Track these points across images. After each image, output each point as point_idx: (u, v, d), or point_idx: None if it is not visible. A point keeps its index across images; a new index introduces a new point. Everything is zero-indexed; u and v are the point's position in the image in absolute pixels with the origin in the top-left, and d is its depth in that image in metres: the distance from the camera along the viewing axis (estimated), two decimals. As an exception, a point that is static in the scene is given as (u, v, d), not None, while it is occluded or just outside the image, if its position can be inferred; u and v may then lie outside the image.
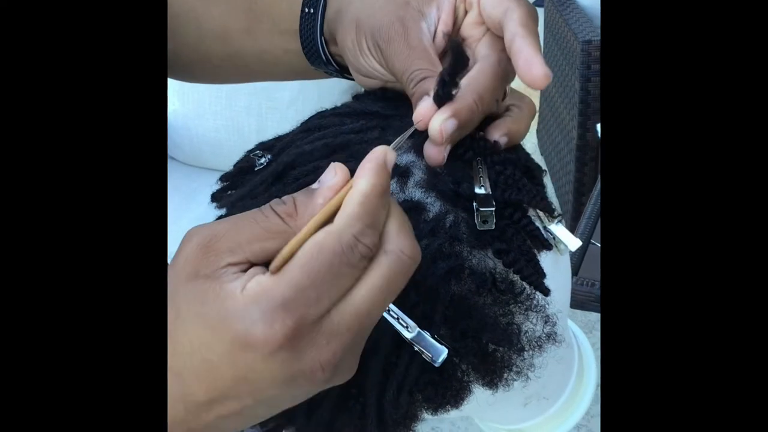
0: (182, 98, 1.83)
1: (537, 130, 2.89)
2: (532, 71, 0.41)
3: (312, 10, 0.51)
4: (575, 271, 1.20)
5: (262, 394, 0.34)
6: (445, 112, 0.41)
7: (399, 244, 0.35)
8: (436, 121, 0.41)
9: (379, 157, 0.35)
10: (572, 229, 1.82)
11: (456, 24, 0.46)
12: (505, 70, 0.44)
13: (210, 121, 1.81)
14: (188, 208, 1.67)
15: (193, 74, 0.65)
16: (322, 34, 0.52)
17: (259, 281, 0.33)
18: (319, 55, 0.53)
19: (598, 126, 1.70)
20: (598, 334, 2.07)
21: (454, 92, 0.41)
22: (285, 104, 1.74)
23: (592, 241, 1.27)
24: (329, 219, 0.35)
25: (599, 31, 2.17)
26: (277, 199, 0.37)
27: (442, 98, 0.41)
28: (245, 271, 0.34)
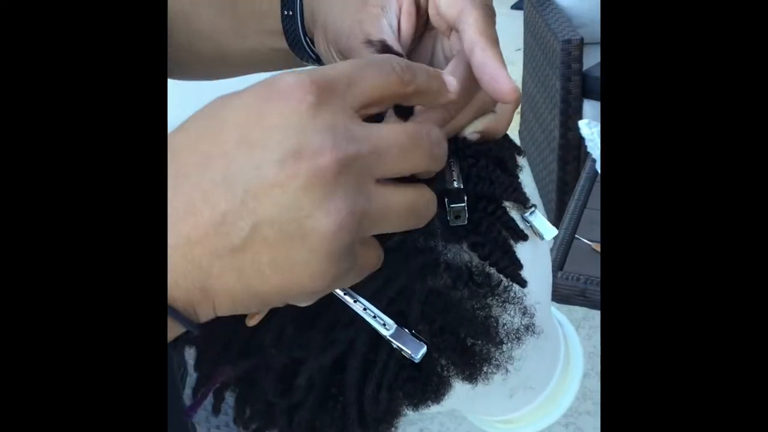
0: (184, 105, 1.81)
1: (519, 131, 2.90)
2: (499, 88, 0.39)
3: (291, 12, 0.51)
4: (560, 266, 1.20)
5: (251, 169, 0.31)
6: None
7: (434, 127, 0.36)
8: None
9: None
10: (556, 226, 1.82)
11: (420, 12, 0.45)
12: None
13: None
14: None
15: (188, 73, 0.65)
16: (305, 34, 0.51)
17: None
18: (307, 53, 0.52)
19: (580, 123, 1.71)
20: (583, 331, 2.08)
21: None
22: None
23: (576, 236, 1.27)
24: None
25: (578, 30, 2.19)
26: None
27: (402, 110, 0.41)
28: None
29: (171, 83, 0.56)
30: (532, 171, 2.72)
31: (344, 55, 0.45)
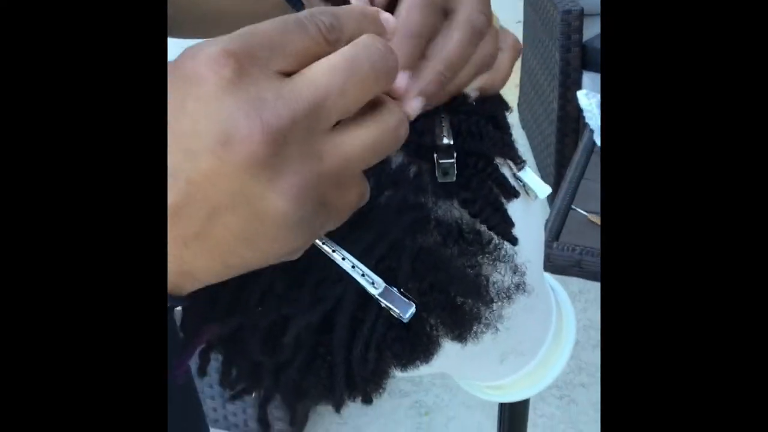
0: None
1: (518, 104, 2.88)
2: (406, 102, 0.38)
3: None
4: (556, 237, 1.20)
5: (197, 157, 0.30)
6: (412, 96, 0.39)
7: (369, 38, 0.32)
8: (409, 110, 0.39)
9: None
10: (553, 198, 1.81)
11: None
12: (479, 29, 0.41)
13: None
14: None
15: (186, 33, 0.64)
16: None
17: None
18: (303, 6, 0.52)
19: (578, 93, 1.69)
20: (579, 304, 2.08)
21: None
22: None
23: (573, 206, 1.26)
24: None
25: (578, 1, 2.16)
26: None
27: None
28: None
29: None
30: (530, 143, 2.70)
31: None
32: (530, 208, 0.46)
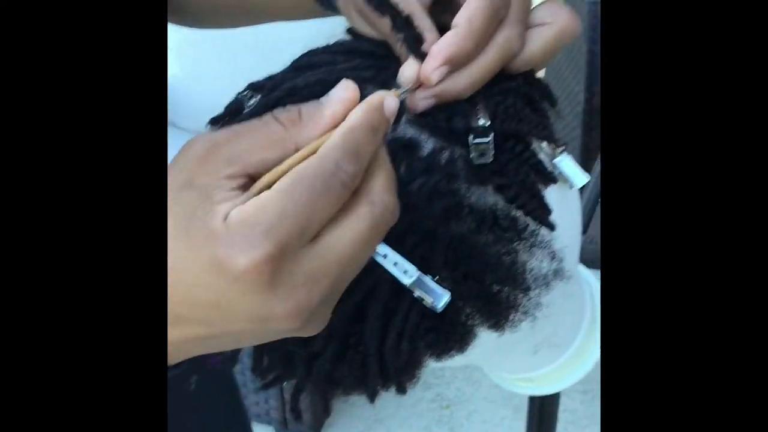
0: (181, 62, 1.80)
1: (542, 96, 2.85)
2: (427, 63, 0.39)
3: None
4: (584, 230, 1.18)
5: (232, 325, 0.33)
6: (425, 91, 0.39)
7: (384, 199, 0.34)
8: (418, 99, 0.40)
9: (374, 98, 0.35)
10: (581, 193, 1.79)
11: None
12: (496, 4, 0.40)
13: (210, 84, 1.78)
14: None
15: (207, 23, 0.63)
16: None
17: (241, 207, 0.32)
18: (332, 5, 0.51)
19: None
20: (604, 299, 2.06)
21: (418, 29, 0.39)
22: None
23: (599, 200, 1.25)
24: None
25: (606, -9, 2.14)
26: (281, 108, 0.35)
27: (413, 47, 0.39)
28: (243, 186, 0.33)
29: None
30: (555, 137, 2.68)
31: (363, 13, 0.43)
32: (567, 194, 0.45)
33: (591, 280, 0.61)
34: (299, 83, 0.41)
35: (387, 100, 0.35)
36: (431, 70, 0.39)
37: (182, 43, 1.77)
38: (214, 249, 0.31)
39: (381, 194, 0.34)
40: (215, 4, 0.59)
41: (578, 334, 0.55)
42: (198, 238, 0.31)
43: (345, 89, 0.35)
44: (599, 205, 1.24)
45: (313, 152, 0.33)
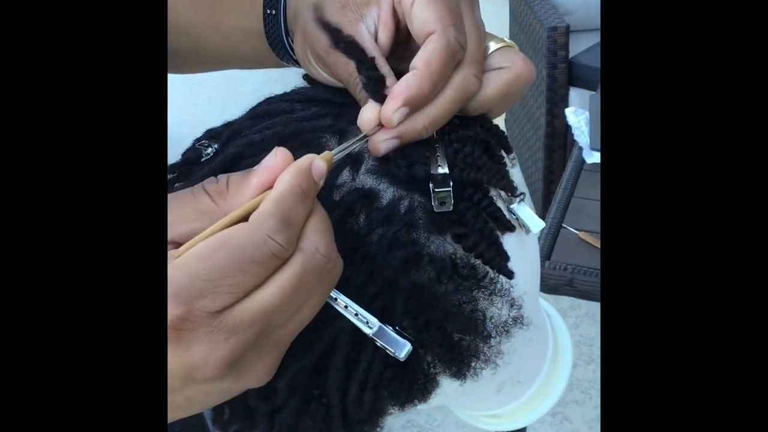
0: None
1: (505, 119, 2.89)
2: (383, 110, 0.39)
3: (273, 12, 0.49)
4: (547, 256, 1.19)
5: (171, 385, 0.33)
6: (387, 133, 0.40)
7: (314, 242, 0.34)
8: (379, 142, 0.40)
9: (303, 161, 0.35)
10: (543, 216, 1.81)
11: (400, 25, 0.43)
12: (453, 47, 0.40)
13: (173, 116, 1.77)
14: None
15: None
16: (287, 35, 0.49)
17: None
18: (288, 55, 0.51)
19: (567, 111, 1.70)
20: (570, 320, 2.08)
21: (383, 73, 0.40)
22: (248, 96, 1.72)
23: (563, 225, 1.26)
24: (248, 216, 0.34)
25: (564, 18, 2.17)
26: (211, 178, 0.35)
27: (376, 95, 0.40)
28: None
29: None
30: (519, 159, 2.71)
31: (321, 59, 0.43)
32: (525, 240, 0.45)
33: (552, 313, 0.61)
34: (256, 139, 0.41)
35: (315, 162, 0.36)
36: (392, 111, 0.39)
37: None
38: None
39: (311, 239, 0.34)
40: (173, 54, 0.59)
41: (542, 370, 0.55)
42: None
43: (274, 157, 0.35)
44: (560, 232, 1.26)
45: (241, 216, 0.34)
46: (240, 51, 0.54)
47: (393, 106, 0.39)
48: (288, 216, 0.34)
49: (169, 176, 0.44)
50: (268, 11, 0.49)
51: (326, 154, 0.37)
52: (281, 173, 0.35)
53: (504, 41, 0.44)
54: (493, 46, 0.44)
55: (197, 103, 1.74)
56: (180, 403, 0.35)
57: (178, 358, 0.32)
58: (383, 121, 0.39)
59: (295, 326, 0.36)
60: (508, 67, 0.43)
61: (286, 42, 0.49)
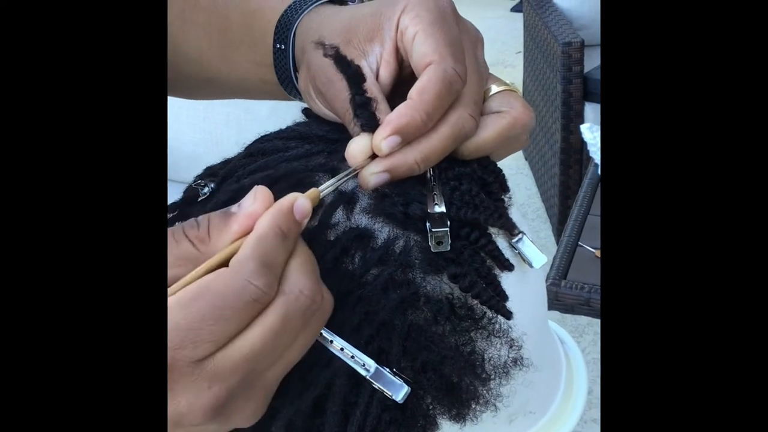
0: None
1: (521, 134, 2.88)
2: (378, 133, 0.39)
3: (282, 46, 0.49)
4: (564, 275, 1.18)
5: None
6: (377, 165, 0.39)
7: (298, 284, 0.34)
8: (368, 175, 0.39)
9: (284, 201, 0.35)
10: (559, 233, 1.79)
11: (403, 64, 0.43)
12: (450, 77, 0.40)
13: (188, 134, 1.78)
14: (167, 224, 1.64)
15: (174, 92, 0.63)
16: (296, 70, 0.49)
17: None
18: (296, 89, 0.51)
19: (582, 127, 1.69)
20: (588, 337, 2.05)
21: (374, 109, 0.39)
22: (264, 115, 1.72)
23: (579, 243, 1.24)
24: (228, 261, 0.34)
25: (579, 33, 2.16)
26: (192, 221, 0.35)
27: (367, 123, 0.39)
28: None
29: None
30: (534, 175, 2.69)
31: (321, 93, 0.43)
32: (526, 278, 0.44)
33: (566, 340, 0.60)
34: (246, 184, 0.40)
35: (297, 202, 0.35)
36: (381, 138, 0.38)
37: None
38: None
39: (295, 281, 0.34)
40: (183, 81, 0.59)
41: (555, 399, 0.54)
42: None
43: (254, 200, 0.35)
44: (576, 250, 1.24)
45: (220, 261, 0.34)
46: (249, 82, 0.54)
47: (383, 134, 0.38)
48: (268, 259, 0.33)
49: (170, 215, 0.44)
50: (278, 45, 0.49)
51: (312, 191, 0.36)
52: (261, 215, 0.35)
53: (506, 84, 0.44)
54: (494, 89, 0.43)
55: (213, 122, 1.75)
56: None
57: (168, 409, 0.32)
58: (374, 148, 0.39)
59: (283, 367, 0.35)
60: (507, 111, 0.42)
61: (293, 77, 0.49)
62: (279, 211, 0.35)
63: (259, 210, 0.35)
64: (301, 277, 0.34)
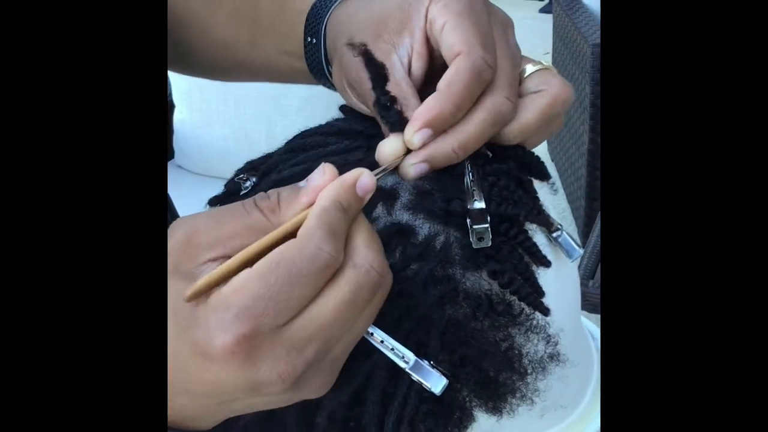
0: (190, 107, 1.82)
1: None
2: (408, 128, 0.39)
3: (314, 40, 0.50)
4: (592, 275, 1.18)
5: (224, 397, 0.35)
6: (415, 156, 0.40)
7: (368, 258, 0.35)
8: (407, 166, 0.40)
9: (349, 175, 0.36)
10: (586, 234, 1.78)
11: (434, 54, 0.43)
12: (479, 67, 0.40)
13: (218, 129, 1.80)
14: (197, 217, 1.65)
15: (205, 74, 0.65)
16: (328, 63, 0.50)
17: (220, 290, 0.33)
18: (327, 80, 0.51)
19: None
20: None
21: (400, 107, 0.40)
22: (294, 110, 1.73)
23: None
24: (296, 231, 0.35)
25: (609, 33, 2.15)
26: (262, 193, 0.36)
27: (394, 123, 0.40)
28: None
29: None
30: (560, 176, 2.68)
31: (353, 89, 0.43)
32: (563, 273, 0.44)
33: (596, 334, 0.60)
34: (286, 175, 0.42)
35: (362, 178, 0.36)
36: (411, 133, 0.39)
37: (191, 88, 1.79)
38: (194, 333, 0.33)
39: (363, 255, 0.35)
40: (214, 65, 0.60)
41: (586, 393, 0.55)
42: (184, 321, 0.33)
43: (323, 174, 0.36)
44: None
45: (288, 232, 0.35)
46: (278, 69, 0.55)
47: (413, 128, 0.39)
48: (332, 227, 0.34)
49: (212, 207, 0.45)
50: (309, 39, 0.50)
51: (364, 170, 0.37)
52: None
53: (541, 64, 0.44)
54: (529, 69, 0.43)
55: (243, 117, 1.77)
56: (239, 408, 0.36)
57: (244, 374, 0.33)
58: (407, 143, 0.39)
59: (350, 341, 0.36)
60: (545, 90, 0.42)
61: (326, 69, 0.50)
62: (340, 184, 0.36)
63: (326, 182, 0.36)
64: (370, 252, 0.35)
